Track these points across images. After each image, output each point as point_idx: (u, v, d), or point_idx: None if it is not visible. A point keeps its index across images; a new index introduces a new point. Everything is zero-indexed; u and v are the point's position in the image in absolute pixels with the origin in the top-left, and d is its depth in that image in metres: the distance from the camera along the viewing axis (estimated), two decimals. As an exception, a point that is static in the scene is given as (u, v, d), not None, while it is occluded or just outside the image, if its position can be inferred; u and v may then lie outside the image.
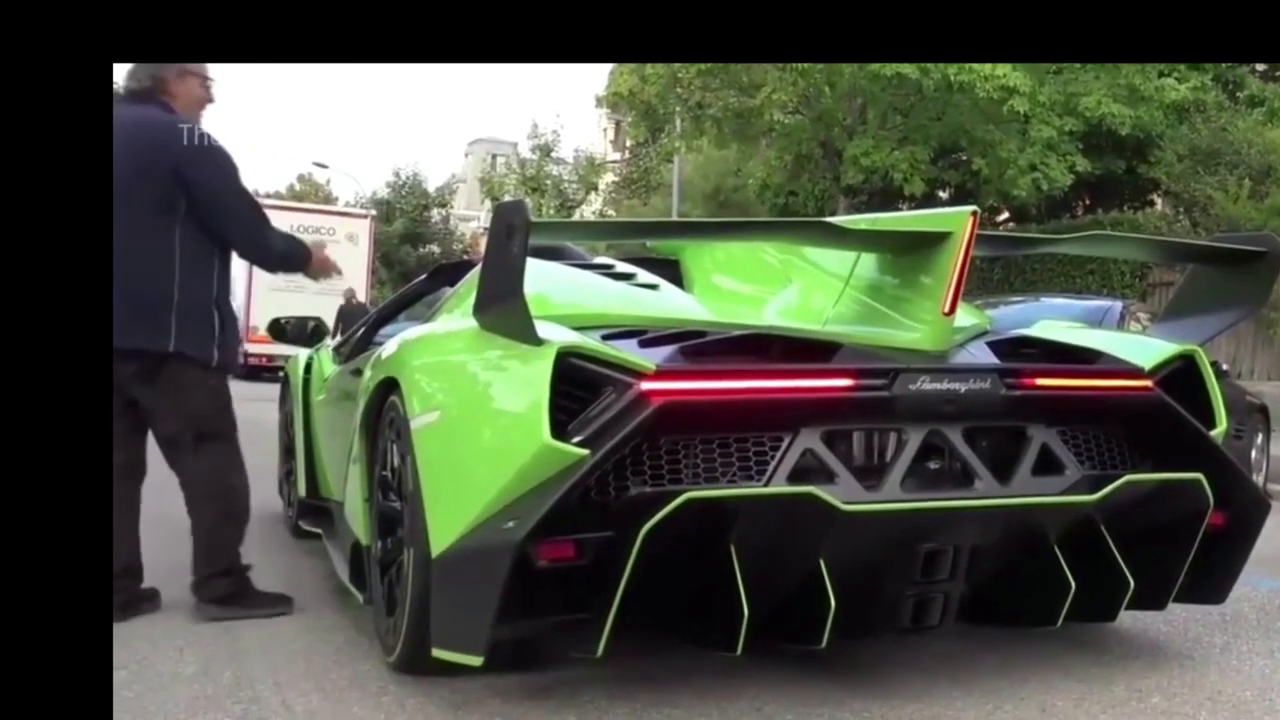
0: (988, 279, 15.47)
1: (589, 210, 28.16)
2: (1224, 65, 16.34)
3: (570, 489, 2.04)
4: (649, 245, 4.35)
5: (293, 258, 3.26)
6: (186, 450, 3.03)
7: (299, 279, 3.84)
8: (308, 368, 4.44)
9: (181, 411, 3.00)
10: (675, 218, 17.67)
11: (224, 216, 3.03)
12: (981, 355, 2.54)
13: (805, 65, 14.08)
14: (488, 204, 30.84)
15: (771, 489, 2.19)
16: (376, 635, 2.67)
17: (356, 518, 2.92)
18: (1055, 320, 3.55)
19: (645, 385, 2.13)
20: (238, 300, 16.60)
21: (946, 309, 2.37)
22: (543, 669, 2.52)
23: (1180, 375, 2.65)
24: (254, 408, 5.32)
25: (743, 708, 2.31)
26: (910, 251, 2.48)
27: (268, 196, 28.19)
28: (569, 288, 3.00)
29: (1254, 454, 6.76)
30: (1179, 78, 15.37)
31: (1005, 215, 18.80)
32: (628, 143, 31.99)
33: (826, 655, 2.36)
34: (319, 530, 3.80)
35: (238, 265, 3.37)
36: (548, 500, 2.02)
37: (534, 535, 2.00)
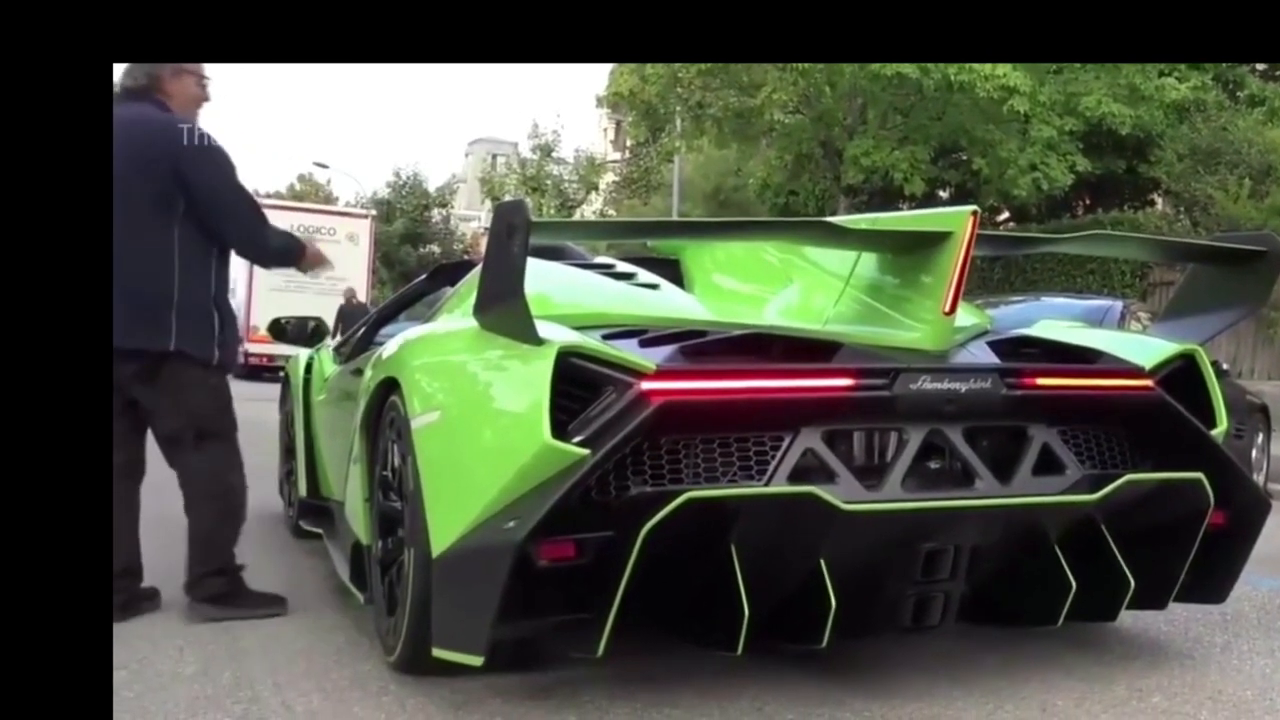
0: (988, 278, 15.47)
1: (589, 210, 28.13)
2: (1224, 65, 16.34)
3: (571, 489, 2.03)
4: (649, 245, 4.34)
5: (289, 254, 3.30)
6: (187, 449, 3.03)
7: (299, 279, 3.87)
8: (308, 368, 4.44)
9: (182, 410, 3.01)
10: (675, 218, 17.65)
11: (223, 216, 3.03)
12: (982, 355, 2.54)
13: (805, 65, 14.08)
14: (488, 204, 30.84)
15: (772, 489, 2.19)
16: (377, 635, 2.67)
17: (357, 517, 2.92)
18: (1056, 320, 3.54)
19: (646, 385, 2.13)
20: (238, 299, 16.63)
21: (947, 308, 2.37)
22: (543, 669, 2.52)
23: (1181, 375, 2.64)
24: (254, 408, 5.31)
25: (743, 707, 2.31)
26: (911, 251, 2.47)
27: (268, 196, 28.16)
28: (569, 287, 3.00)
29: (1254, 453, 6.76)
30: (1179, 77, 15.38)
31: (1005, 215, 18.80)
32: (628, 143, 31.97)
33: (827, 655, 2.36)
34: (319, 530, 3.80)
35: (238, 264, 3.38)
36: (548, 500, 2.02)
37: (535, 535, 2.00)
